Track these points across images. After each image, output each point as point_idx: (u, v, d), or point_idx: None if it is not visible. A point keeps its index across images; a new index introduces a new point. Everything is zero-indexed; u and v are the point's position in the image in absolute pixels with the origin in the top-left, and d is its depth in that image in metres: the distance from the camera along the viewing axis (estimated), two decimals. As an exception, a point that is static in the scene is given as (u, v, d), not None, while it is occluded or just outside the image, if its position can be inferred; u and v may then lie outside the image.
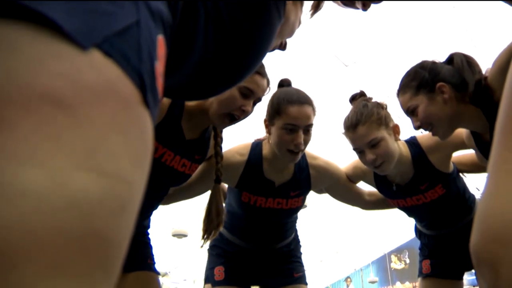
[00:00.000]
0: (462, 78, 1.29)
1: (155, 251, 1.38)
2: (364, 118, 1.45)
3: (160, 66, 0.35)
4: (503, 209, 0.39)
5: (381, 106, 1.51)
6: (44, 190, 0.22)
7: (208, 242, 1.33)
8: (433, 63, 1.35)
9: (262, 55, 0.62)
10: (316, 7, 0.77)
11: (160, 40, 0.35)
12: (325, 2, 0.81)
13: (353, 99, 1.61)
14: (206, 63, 0.56)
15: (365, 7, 0.73)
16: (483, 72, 1.30)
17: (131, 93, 0.29)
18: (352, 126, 1.47)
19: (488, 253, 0.39)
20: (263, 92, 1.27)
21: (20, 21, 0.24)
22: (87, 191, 0.24)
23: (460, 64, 1.31)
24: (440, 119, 1.30)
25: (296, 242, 1.78)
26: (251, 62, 0.61)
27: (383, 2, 0.78)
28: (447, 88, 1.28)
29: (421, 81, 1.32)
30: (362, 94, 1.60)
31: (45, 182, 0.22)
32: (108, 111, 0.26)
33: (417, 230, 1.84)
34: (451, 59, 1.37)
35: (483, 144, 1.36)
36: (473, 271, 1.93)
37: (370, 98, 1.57)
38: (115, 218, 0.26)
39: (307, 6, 0.78)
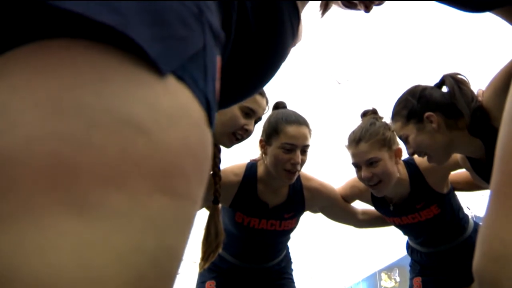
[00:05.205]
0: (454, 104, 1.28)
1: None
2: (368, 136, 1.47)
3: (218, 85, 0.36)
4: (503, 231, 0.41)
5: (388, 128, 1.52)
6: (126, 211, 0.24)
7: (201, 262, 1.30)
8: (424, 89, 1.34)
9: (272, 72, 0.61)
10: (325, 7, 0.76)
11: (219, 61, 0.37)
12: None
13: (364, 115, 1.64)
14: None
15: (367, 9, 0.72)
16: (475, 92, 1.29)
17: (200, 116, 0.31)
18: (355, 141, 1.49)
19: (489, 273, 0.41)
20: (263, 111, 1.29)
21: (105, 44, 0.25)
22: (162, 211, 0.26)
23: (452, 90, 1.30)
24: (431, 148, 1.30)
25: (287, 259, 1.78)
26: (259, 79, 0.60)
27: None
28: (435, 117, 1.27)
29: (410, 110, 1.32)
30: (374, 111, 1.63)
31: (127, 203, 0.24)
32: (181, 135, 0.28)
33: (408, 247, 1.84)
34: (442, 82, 1.37)
35: (479, 166, 1.35)
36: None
37: (381, 117, 1.59)
38: (184, 234, 0.29)
39: (315, 7, 0.76)
